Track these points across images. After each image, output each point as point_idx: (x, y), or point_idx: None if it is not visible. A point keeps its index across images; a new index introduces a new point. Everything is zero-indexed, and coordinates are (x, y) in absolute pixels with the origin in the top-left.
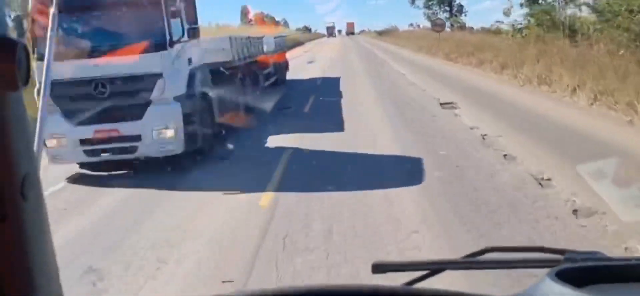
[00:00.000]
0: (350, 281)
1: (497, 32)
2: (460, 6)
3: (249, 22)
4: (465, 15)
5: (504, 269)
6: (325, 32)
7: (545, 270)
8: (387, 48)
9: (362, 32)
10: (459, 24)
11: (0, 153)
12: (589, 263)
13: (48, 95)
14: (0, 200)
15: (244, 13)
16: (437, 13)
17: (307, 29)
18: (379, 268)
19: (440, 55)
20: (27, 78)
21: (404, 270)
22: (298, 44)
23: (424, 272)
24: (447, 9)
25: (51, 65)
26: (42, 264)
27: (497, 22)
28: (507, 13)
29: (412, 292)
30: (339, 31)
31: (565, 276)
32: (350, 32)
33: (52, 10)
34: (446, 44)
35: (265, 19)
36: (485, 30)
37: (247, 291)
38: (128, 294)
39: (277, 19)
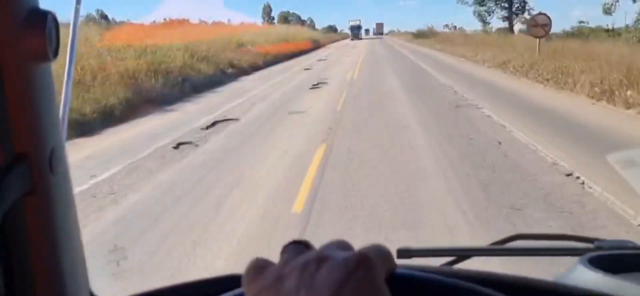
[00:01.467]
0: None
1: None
2: (523, 3)
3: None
4: (529, 13)
5: (532, 256)
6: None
7: (575, 258)
8: (442, 61)
9: (390, 32)
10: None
11: (29, 125)
12: (621, 251)
13: (73, 71)
14: (29, 172)
15: (266, 11)
16: (492, 11)
17: (332, 29)
18: (404, 253)
19: (577, 88)
20: (56, 50)
21: (429, 256)
22: (306, 50)
23: (451, 258)
24: (506, 5)
25: (76, 38)
26: (68, 238)
27: (581, 22)
28: (608, 10)
29: (445, 273)
30: (366, 31)
31: (598, 264)
32: (379, 33)
33: None
34: (540, 56)
35: (289, 18)
36: (568, 34)
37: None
38: None
39: (303, 17)
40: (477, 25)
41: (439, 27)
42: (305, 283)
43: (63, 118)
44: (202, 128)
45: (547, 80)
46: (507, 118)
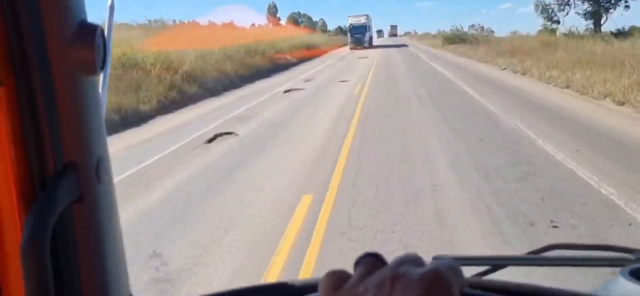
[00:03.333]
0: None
1: None
2: None
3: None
4: (628, 8)
5: (568, 267)
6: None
7: (614, 269)
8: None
9: (407, 34)
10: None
11: (78, 134)
12: None
13: (108, 82)
14: (77, 181)
15: (271, 12)
16: (568, 2)
17: (343, 32)
18: None
19: None
20: (103, 62)
21: (465, 265)
22: (284, 65)
23: (486, 267)
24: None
25: (110, 52)
26: (112, 244)
27: None
28: None
29: (485, 285)
30: (380, 32)
31: (639, 275)
32: (393, 34)
33: (110, 1)
34: None
35: (299, 20)
36: None
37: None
38: None
39: (314, 19)
40: (508, 26)
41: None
42: None
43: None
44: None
45: None
46: None
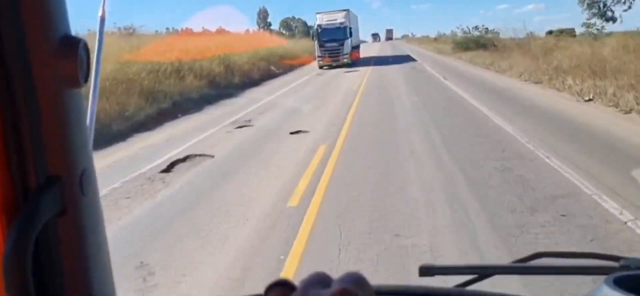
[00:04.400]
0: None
1: None
2: None
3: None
4: None
5: (555, 275)
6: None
7: (599, 277)
8: None
9: (405, 37)
10: None
11: (61, 147)
12: None
13: (97, 94)
14: (61, 194)
15: (262, 17)
16: None
17: None
18: (426, 271)
19: None
20: (87, 75)
21: (451, 274)
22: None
23: (472, 276)
24: None
25: (100, 63)
26: (97, 259)
27: None
28: None
29: (470, 294)
30: (375, 36)
31: (623, 284)
32: (389, 38)
33: (100, 12)
34: None
35: (293, 26)
36: None
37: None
38: None
39: (309, 23)
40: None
41: (449, 31)
42: None
43: (89, 139)
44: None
45: None
46: None
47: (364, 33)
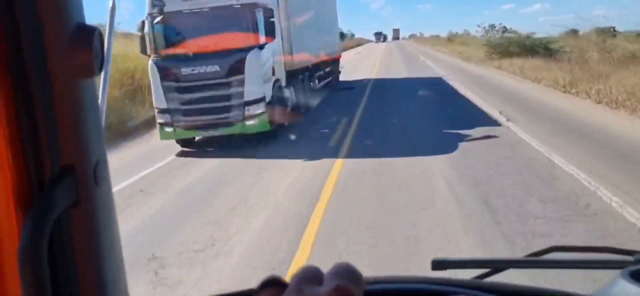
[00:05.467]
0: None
1: None
2: None
3: None
4: None
5: (569, 269)
6: (373, 38)
7: (614, 271)
8: None
9: (412, 37)
10: None
11: (76, 138)
12: None
13: (108, 84)
14: (75, 184)
15: None
16: None
17: (341, 36)
18: (439, 264)
19: None
20: (101, 65)
21: (464, 267)
22: None
23: (486, 270)
24: None
25: (111, 55)
26: (110, 247)
27: None
28: None
29: (485, 287)
30: (378, 35)
31: (639, 277)
32: (396, 38)
33: (111, 2)
34: None
35: None
36: None
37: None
38: None
39: None
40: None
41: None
42: None
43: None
44: None
45: None
46: None
47: (365, 32)
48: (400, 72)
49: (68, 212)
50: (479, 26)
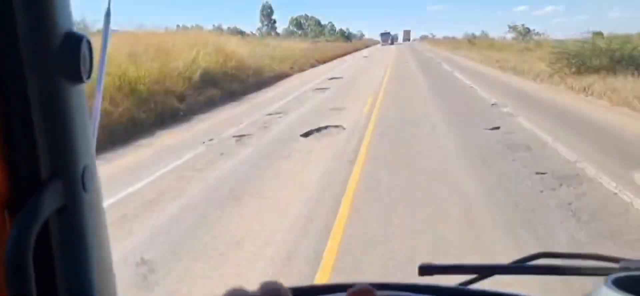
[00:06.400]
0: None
1: None
2: None
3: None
4: None
5: (555, 275)
6: (379, 39)
7: (599, 278)
8: None
9: (424, 38)
10: None
11: (63, 144)
12: None
13: (102, 89)
14: (62, 189)
15: (265, 14)
16: None
17: (346, 37)
18: (426, 270)
19: None
20: (90, 72)
21: (451, 273)
22: None
23: (472, 276)
24: None
25: (105, 60)
26: (98, 253)
27: None
28: None
29: (471, 293)
30: (384, 36)
31: (622, 285)
32: (407, 39)
33: (106, 7)
34: None
35: (304, 24)
36: None
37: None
38: None
39: (322, 22)
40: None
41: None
42: None
43: (93, 136)
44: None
45: None
46: None
47: (371, 31)
48: (420, 92)
49: (55, 217)
50: (509, 27)
